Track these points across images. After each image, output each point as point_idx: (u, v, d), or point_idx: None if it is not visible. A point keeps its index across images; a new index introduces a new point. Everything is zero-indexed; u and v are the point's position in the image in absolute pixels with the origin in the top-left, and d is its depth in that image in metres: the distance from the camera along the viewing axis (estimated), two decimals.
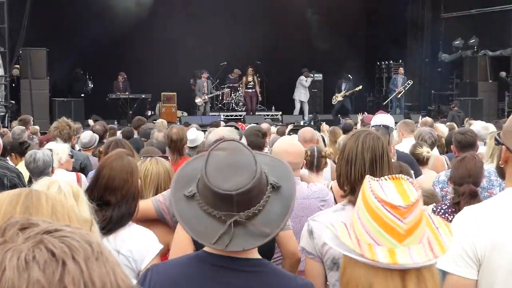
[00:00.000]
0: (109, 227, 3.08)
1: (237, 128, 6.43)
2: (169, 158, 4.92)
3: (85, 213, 2.31)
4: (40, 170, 5.26)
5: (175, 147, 6.20)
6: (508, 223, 2.19)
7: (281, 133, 10.46)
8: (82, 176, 6.12)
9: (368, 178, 1.93)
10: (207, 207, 2.03)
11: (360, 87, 22.42)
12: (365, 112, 15.07)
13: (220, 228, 2.00)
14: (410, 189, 1.87)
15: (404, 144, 7.12)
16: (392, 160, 3.19)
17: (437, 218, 1.97)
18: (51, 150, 5.69)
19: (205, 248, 2.10)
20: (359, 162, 2.78)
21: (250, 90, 21.82)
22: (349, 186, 2.83)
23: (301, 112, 22.25)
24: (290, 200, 2.11)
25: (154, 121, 14.83)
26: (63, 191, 2.33)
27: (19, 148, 6.96)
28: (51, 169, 5.41)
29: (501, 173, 2.54)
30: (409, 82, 22.04)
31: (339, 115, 21.30)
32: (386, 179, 1.91)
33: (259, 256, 2.11)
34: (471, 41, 22.22)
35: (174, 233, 3.17)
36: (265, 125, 10.27)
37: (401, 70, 22.48)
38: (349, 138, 2.93)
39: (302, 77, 22.13)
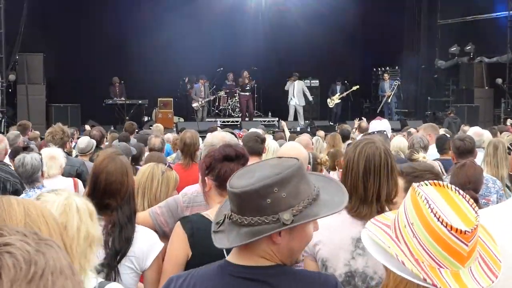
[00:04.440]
0: (118, 229, 3.09)
1: (234, 135, 6.45)
2: (170, 165, 4.89)
3: (96, 232, 2.33)
4: (28, 174, 5.22)
5: (188, 151, 6.09)
6: None
7: (279, 139, 10.44)
8: (79, 182, 6.09)
9: (415, 187, 1.82)
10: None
11: (357, 86, 22.45)
12: (363, 118, 15.07)
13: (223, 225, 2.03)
14: (464, 203, 1.79)
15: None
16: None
17: None
18: (40, 154, 5.65)
19: (227, 258, 2.09)
20: (355, 170, 2.81)
21: (246, 93, 21.80)
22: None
23: (297, 118, 22.20)
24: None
25: (151, 127, 14.80)
26: (80, 210, 2.31)
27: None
28: (41, 173, 5.36)
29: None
30: (395, 84, 22.13)
31: (329, 121, 21.39)
32: (427, 185, 1.82)
33: (279, 262, 2.05)
34: (467, 48, 22.26)
35: (169, 241, 3.15)
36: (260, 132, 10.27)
37: (386, 76, 22.66)
38: (351, 146, 2.96)
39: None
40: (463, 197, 1.80)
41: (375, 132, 8.45)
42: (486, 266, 1.77)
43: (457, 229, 1.69)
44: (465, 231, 1.70)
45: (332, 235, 2.81)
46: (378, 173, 2.78)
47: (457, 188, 1.83)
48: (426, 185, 1.83)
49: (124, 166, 3.24)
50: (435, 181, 1.85)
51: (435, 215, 1.72)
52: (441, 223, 1.71)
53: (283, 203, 1.94)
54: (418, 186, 1.82)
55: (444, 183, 1.85)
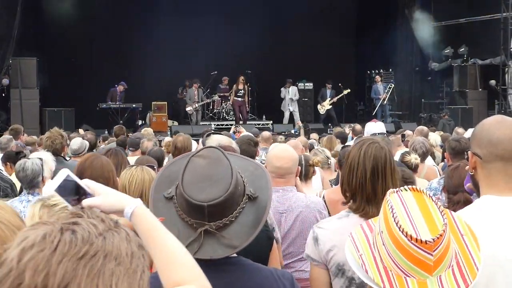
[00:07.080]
0: None
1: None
2: (155, 167, 4.84)
3: None
4: (29, 179, 5.19)
5: (178, 155, 6.10)
6: (491, 233, 2.07)
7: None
8: None
9: (388, 194, 1.84)
10: (181, 212, 2.08)
11: (349, 90, 22.42)
12: (356, 124, 15.09)
13: (191, 234, 2.05)
14: (435, 211, 1.79)
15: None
16: None
17: (461, 222, 1.90)
18: (41, 159, 5.61)
19: None
20: (361, 170, 2.81)
21: (239, 99, 21.73)
22: (350, 193, 2.85)
23: (292, 121, 22.22)
24: (263, 211, 2.13)
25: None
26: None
27: (14, 158, 6.86)
28: (42, 179, 5.32)
29: (474, 183, 2.36)
30: (390, 86, 22.15)
31: (329, 124, 21.32)
32: (406, 190, 1.83)
33: (235, 255, 2.14)
34: (460, 50, 22.29)
35: None
36: (266, 134, 10.24)
37: (378, 78, 22.68)
38: (354, 146, 2.95)
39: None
40: (435, 203, 1.81)
41: (377, 134, 8.43)
42: (460, 274, 1.76)
43: (417, 239, 1.69)
44: (426, 241, 1.69)
45: (346, 238, 2.79)
46: (384, 172, 2.80)
47: (430, 195, 1.84)
48: (406, 190, 1.82)
49: (109, 164, 3.27)
50: (413, 186, 1.85)
51: (397, 224, 1.73)
52: (402, 232, 1.71)
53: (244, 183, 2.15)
54: (395, 191, 1.82)
55: (422, 189, 1.85)
